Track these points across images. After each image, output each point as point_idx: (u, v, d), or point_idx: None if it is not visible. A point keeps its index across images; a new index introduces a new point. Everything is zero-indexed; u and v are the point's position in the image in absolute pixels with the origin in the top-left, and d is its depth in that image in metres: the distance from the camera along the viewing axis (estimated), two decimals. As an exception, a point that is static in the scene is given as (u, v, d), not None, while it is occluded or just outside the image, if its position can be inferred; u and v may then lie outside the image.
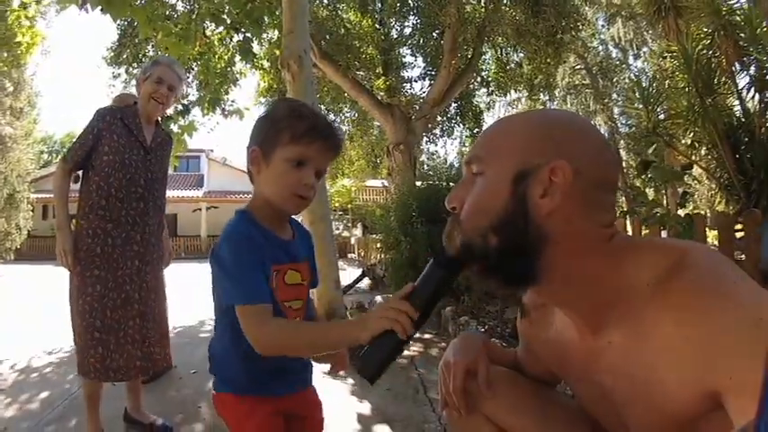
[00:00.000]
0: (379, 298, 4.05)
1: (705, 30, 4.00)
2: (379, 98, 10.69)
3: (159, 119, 2.38)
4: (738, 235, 2.42)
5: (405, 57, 12.30)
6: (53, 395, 2.79)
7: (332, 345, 1.02)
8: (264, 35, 7.47)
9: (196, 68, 7.81)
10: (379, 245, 8.43)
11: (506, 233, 0.76)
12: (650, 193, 4.13)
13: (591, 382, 0.84)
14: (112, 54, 9.91)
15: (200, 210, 24.22)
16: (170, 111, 5.97)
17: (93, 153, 2.14)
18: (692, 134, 4.17)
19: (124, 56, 9.68)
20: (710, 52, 3.93)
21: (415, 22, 11.63)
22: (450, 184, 5.92)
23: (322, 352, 1.06)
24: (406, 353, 3.65)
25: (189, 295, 7.18)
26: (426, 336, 4.25)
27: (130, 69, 9.58)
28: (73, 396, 2.75)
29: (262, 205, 1.12)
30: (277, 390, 1.16)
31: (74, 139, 2.20)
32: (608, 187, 0.79)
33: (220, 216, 23.02)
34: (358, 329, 0.92)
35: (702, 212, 3.66)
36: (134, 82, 9.54)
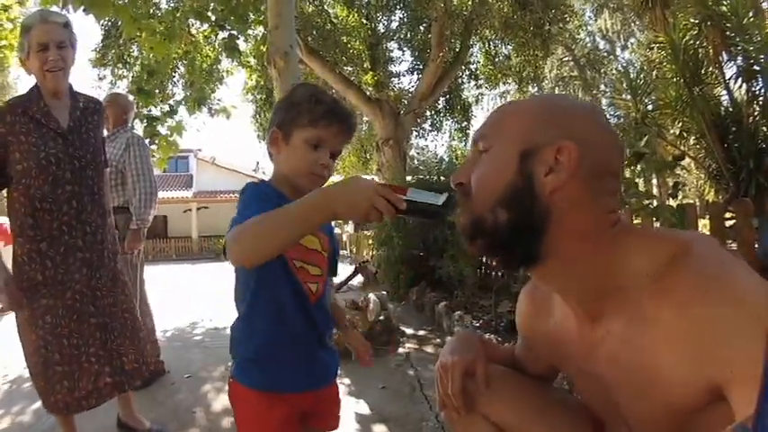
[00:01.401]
0: (372, 295, 4.02)
1: (692, 20, 4.03)
2: (368, 93, 10.64)
3: (71, 87, 1.99)
4: (728, 223, 2.44)
5: (392, 51, 12.25)
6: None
7: (306, 219, 0.89)
8: (250, 32, 7.37)
9: (182, 68, 7.72)
10: (370, 241, 8.42)
11: (515, 208, 0.77)
12: (641, 184, 4.16)
13: (590, 374, 0.84)
14: (97, 56, 9.77)
15: (190, 210, 24.02)
16: (157, 111, 5.92)
17: (6, 165, 1.82)
18: (680, 124, 4.22)
19: (109, 57, 9.55)
20: (698, 42, 3.96)
21: (401, 16, 11.58)
22: (441, 178, 5.91)
23: (299, 232, 0.91)
24: (400, 350, 3.65)
25: (181, 298, 7.16)
26: (421, 332, 4.25)
27: (116, 70, 9.45)
28: None
29: (281, 181, 1.18)
30: (298, 386, 1.16)
31: None
32: (612, 172, 0.80)
33: (210, 216, 22.94)
34: (330, 205, 0.86)
35: (692, 202, 3.69)
36: (119, 83, 9.36)
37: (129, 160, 3.05)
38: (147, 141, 3.83)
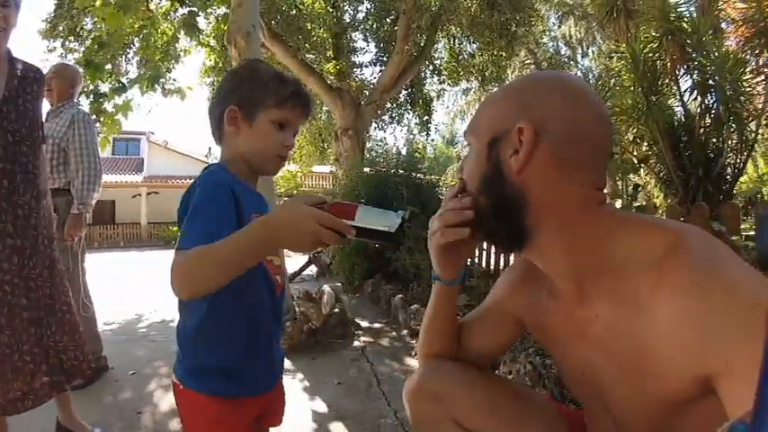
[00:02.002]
0: (326, 287, 3.96)
1: (654, 33, 4.17)
2: (329, 82, 10.49)
3: (9, 52, 1.75)
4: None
5: (357, 41, 12.12)
6: None
7: (247, 262, 0.86)
8: (211, 10, 7.09)
9: (137, 44, 7.33)
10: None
11: (491, 194, 0.83)
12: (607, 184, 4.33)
13: (576, 355, 0.83)
14: (48, 26, 9.13)
15: (139, 195, 22.98)
16: (105, 87, 5.58)
17: None
18: (634, 130, 4.37)
19: (60, 28, 8.93)
20: (657, 55, 4.10)
21: (369, 6, 11.44)
22: (400, 171, 5.89)
23: (244, 266, 0.86)
24: (355, 343, 3.61)
25: (127, 287, 6.83)
26: (376, 325, 4.21)
27: (67, 43, 8.86)
28: None
29: (237, 162, 1.11)
30: (261, 388, 1.11)
31: None
32: (585, 143, 0.78)
33: (161, 202, 22.09)
34: (272, 242, 0.85)
35: (643, 204, 3.85)
36: (69, 56, 8.82)
37: (72, 138, 2.81)
38: (92, 118, 3.58)
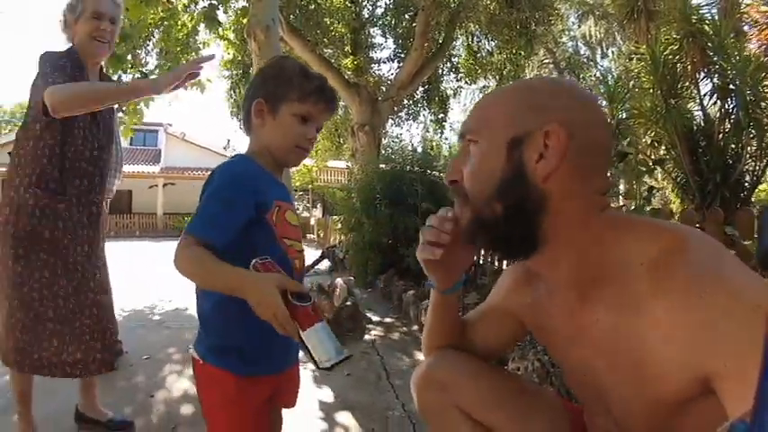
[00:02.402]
0: (339, 280, 4.00)
1: (674, 35, 4.11)
2: (346, 77, 10.52)
3: (103, 66, 2.02)
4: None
5: (375, 37, 12.17)
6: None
7: (225, 288, 0.98)
8: (232, 3, 7.16)
9: (157, 36, 7.42)
10: (339, 226, 8.37)
11: (510, 199, 0.77)
12: (622, 185, 4.30)
13: (577, 359, 0.83)
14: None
15: (156, 186, 23.26)
16: (127, 78, 5.67)
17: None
18: (652, 134, 4.31)
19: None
20: (677, 57, 4.04)
21: (387, 2, 11.48)
22: (415, 168, 5.90)
23: (213, 289, 1.02)
24: (366, 336, 3.65)
25: (141, 276, 6.94)
26: (387, 320, 4.25)
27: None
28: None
29: (262, 152, 1.18)
30: (276, 367, 1.16)
31: (48, 75, 1.73)
32: (600, 149, 0.79)
33: (178, 193, 22.36)
34: (245, 291, 0.93)
35: (659, 208, 3.82)
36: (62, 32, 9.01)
37: None
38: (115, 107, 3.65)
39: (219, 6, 6.11)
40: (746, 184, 3.72)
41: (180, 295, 4.90)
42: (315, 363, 0.91)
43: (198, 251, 0.98)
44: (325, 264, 8.32)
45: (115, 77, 5.41)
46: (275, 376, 1.16)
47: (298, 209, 19.27)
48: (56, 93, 1.66)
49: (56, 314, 1.77)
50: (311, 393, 2.50)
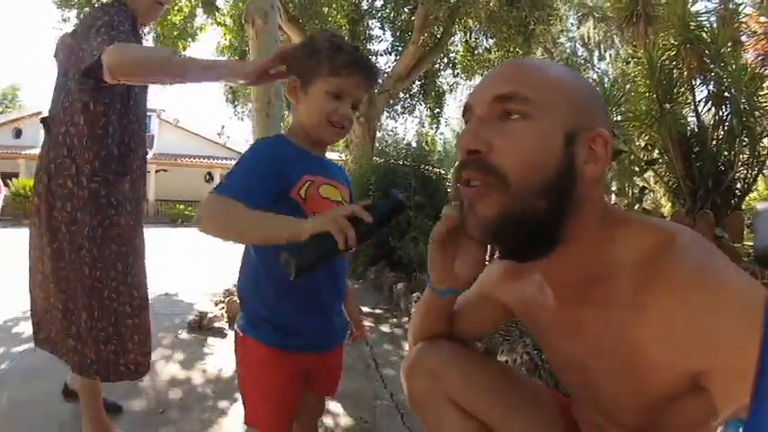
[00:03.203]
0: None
1: (672, 41, 4.15)
2: (344, 68, 10.44)
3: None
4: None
5: (373, 29, 12.03)
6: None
7: (269, 232, 0.96)
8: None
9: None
10: (332, 217, 8.36)
11: (554, 198, 0.69)
12: (614, 184, 4.36)
13: (567, 352, 0.83)
14: (64, -5, 9.09)
15: (148, 172, 22.87)
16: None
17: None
18: (646, 137, 4.37)
19: (76, -2, 8.92)
20: (674, 63, 4.09)
21: (388, -6, 11.39)
22: (409, 162, 5.91)
23: (255, 238, 1.02)
24: (355, 328, 3.65)
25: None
26: (378, 311, 4.27)
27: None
28: (0, 372, 2.52)
29: (298, 131, 1.17)
30: (308, 346, 1.16)
31: (104, 28, 1.44)
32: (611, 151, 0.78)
33: (170, 179, 22.14)
34: (300, 223, 0.92)
35: (649, 210, 3.88)
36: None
37: None
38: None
39: (218, -9, 6.05)
40: (737, 191, 3.78)
41: (170, 281, 4.88)
42: (397, 207, 0.95)
43: (226, 203, 0.97)
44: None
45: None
46: (307, 355, 1.17)
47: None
48: (123, 52, 1.37)
49: (132, 308, 1.68)
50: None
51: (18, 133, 21.59)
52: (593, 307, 0.75)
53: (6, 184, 15.77)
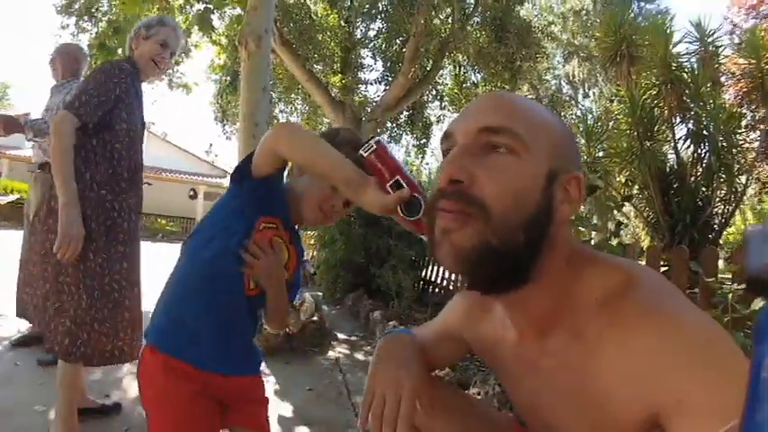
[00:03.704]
0: (307, 295, 3.94)
1: (654, 80, 4.27)
2: (333, 95, 10.57)
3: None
4: (662, 270, 2.57)
5: (365, 58, 12.26)
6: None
7: (338, 175, 0.93)
8: (227, 10, 7.17)
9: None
10: (313, 241, 8.31)
11: (533, 233, 0.69)
12: (595, 218, 4.41)
13: (527, 389, 0.81)
14: (64, 2, 9.17)
15: (133, 184, 22.73)
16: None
17: (110, 116, 1.85)
18: (627, 173, 4.44)
19: (76, 6, 8.98)
20: (655, 102, 4.19)
21: (381, 25, 11.64)
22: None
23: (330, 179, 0.97)
24: (330, 353, 3.58)
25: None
26: (353, 338, 4.19)
27: (80, 22, 8.90)
28: None
29: (292, 196, 1.21)
30: (209, 364, 1.12)
31: (82, 94, 1.81)
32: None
33: (154, 194, 21.79)
34: (365, 193, 0.90)
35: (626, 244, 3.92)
36: (81, 36, 8.85)
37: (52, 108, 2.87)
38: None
39: (214, 11, 6.12)
40: (715, 226, 3.83)
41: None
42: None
43: (312, 134, 1.05)
44: (295, 278, 8.19)
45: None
46: (212, 375, 1.12)
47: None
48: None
49: (130, 303, 1.89)
50: (272, 407, 2.40)
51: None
52: (555, 345, 0.74)
53: None
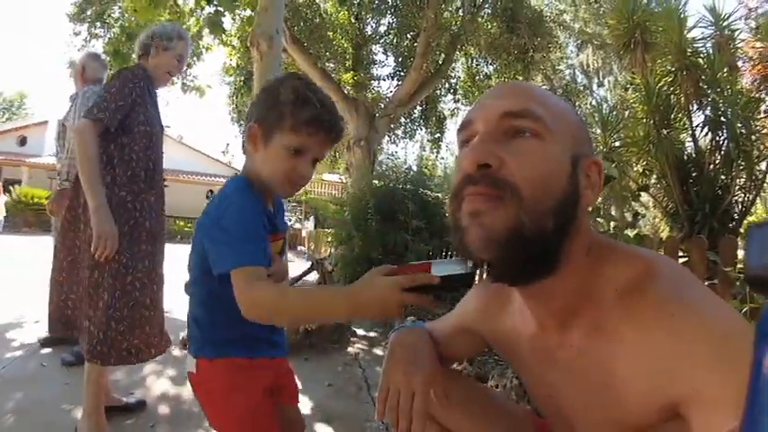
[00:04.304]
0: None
1: (669, 67, 4.19)
2: (346, 92, 10.59)
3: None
4: (681, 261, 2.54)
5: (376, 54, 12.29)
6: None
7: (333, 317, 1.00)
8: (238, 12, 7.21)
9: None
10: (330, 239, 8.35)
11: (562, 218, 0.68)
12: (614, 209, 4.36)
13: (545, 381, 0.82)
14: (76, 10, 9.34)
15: (151, 186, 23.13)
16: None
17: (128, 119, 1.93)
18: (644, 162, 4.37)
19: (88, 13, 9.14)
20: (671, 89, 4.12)
21: (391, 21, 11.62)
22: (408, 186, 5.92)
23: (317, 322, 0.99)
24: (349, 349, 3.62)
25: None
26: (372, 333, 4.23)
27: (93, 29, 9.05)
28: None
29: (255, 179, 1.09)
30: (268, 351, 1.13)
31: (102, 101, 1.90)
32: None
33: (172, 196, 22.00)
34: (357, 308, 0.87)
35: (648, 234, 3.86)
36: (93, 42, 9.01)
37: (68, 115, 3.01)
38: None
39: (225, 13, 6.17)
40: (735, 215, 3.76)
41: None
42: (462, 279, 0.79)
43: (296, 299, 0.95)
44: (313, 275, 8.25)
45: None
46: (273, 360, 1.15)
47: (290, 220, 19.35)
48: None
49: (151, 301, 1.93)
50: (290, 401, 2.47)
51: (23, 141, 21.62)
52: (576, 337, 0.74)
53: (8, 191, 15.85)
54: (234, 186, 1.07)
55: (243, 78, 11.19)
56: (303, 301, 0.93)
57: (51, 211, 2.91)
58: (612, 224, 2.72)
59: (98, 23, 8.98)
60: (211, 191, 23.29)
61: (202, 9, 6.52)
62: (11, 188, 16.54)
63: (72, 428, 1.93)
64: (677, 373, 0.61)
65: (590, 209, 0.76)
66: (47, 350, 3.00)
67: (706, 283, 2.08)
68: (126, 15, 6.23)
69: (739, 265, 1.95)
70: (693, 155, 3.99)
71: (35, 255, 7.20)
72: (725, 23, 4.26)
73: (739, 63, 4.41)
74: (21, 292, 4.93)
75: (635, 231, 3.08)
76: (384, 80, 12.27)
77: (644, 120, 4.19)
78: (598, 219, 2.55)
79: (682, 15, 4.17)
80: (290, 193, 1.12)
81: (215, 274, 0.99)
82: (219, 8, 5.78)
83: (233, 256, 0.96)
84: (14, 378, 2.53)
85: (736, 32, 4.34)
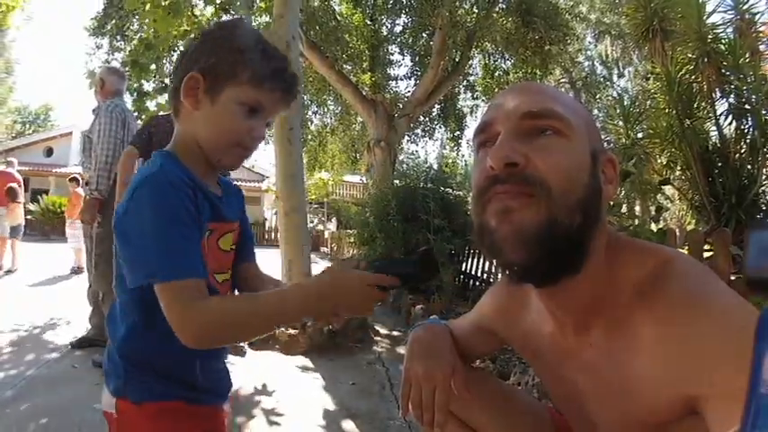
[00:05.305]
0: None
1: (690, 55, 4.10)
2: (364, 93, 10.63)
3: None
4: (706, 255, 2.48)
5: (393, 54, 12.25)
6: (7, 377, 2.66)
7: (298, 318, 0.81)
8: (255, 18, 7.32)
9: (180, 47, 7.63)
10: (352, 239, 8.40)
11: (588, 212, 0.68)
12: (623, 206, 4.28)
13: (564, 379, 0.82)
14: (96, 24, 9.60)
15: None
16: (149, 87, 5.83)
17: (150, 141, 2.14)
18: (668, 154, 4.28)
19: (108, 26, 9.39)
20: (693, 77, 4.03)
21: (406, 20, 11.61)
22: (429, 185, 5.92)
23: (272, 330, 0.83)
24: (374, 348, 3.65)
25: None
26: (395, 333, 4.25)
27: (113, 42, 9.29)
28: (29, 377, 2.65)
29: (190, 147, 0.87)
30: (214, 397, 0.93)
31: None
32: None
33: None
34: (320, 308, 0.79)
35: (672, 228, 3.77)
36: (116, 55, 9.26)
37: (92, 127, 3.09)
38: (134, 115, 3.81)
39: (242, 21, 6.25)
40: (763, 205, 3.66)
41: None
42: (410, 276, 0.84)
43: (226, 303, 0.81)
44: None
45: (136, 85, 5.58)
46: (211, 408, 0.92)
47: (312, 221, 19.38)
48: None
49: None
50: (317, 401, 2.51)
51: (49, 152, 22.21)
52: (595, 335, 0.75)
53: (36, 200, 16.46)
54: (150, 168, 0.83)
55: (234, 18, 11.29)
56: (269, 310, 0.79)
57: (84, 221, 3.05)
58: (636, 221, 2.67)
59: (118, 36, 9.20)
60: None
61: (219, 18, 6.62)
62: (39, 197, 17.09)
63: (98, 424, 1.99)
64: (695, 369, 0.61)
65: (611, 204, 0.76)
66: (78, 352, 3.12)
67: (732, 278, 2.03)
68: (145, 27, 6.37)
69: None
70: (718, 144, 3.89)
71: (64, 260, 7.45)
72: (745, 7, 4.15)
73: (762, 47, 4.28)
74: (53, 296, 5.13)
75: (659, 226, 3.01)
76: (401, 80, 12.30)
77: (666, 110, 4.10)
78: (620, 212, 2.51)
79: (701, 1, 4.08)
80: (237, 162, 0.89)
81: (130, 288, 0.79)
82: (237, 16, 5.87)
83: (156, 266, 0.74)
84: (47, 379, 2.63)
85: (758, 15, 4.22)
